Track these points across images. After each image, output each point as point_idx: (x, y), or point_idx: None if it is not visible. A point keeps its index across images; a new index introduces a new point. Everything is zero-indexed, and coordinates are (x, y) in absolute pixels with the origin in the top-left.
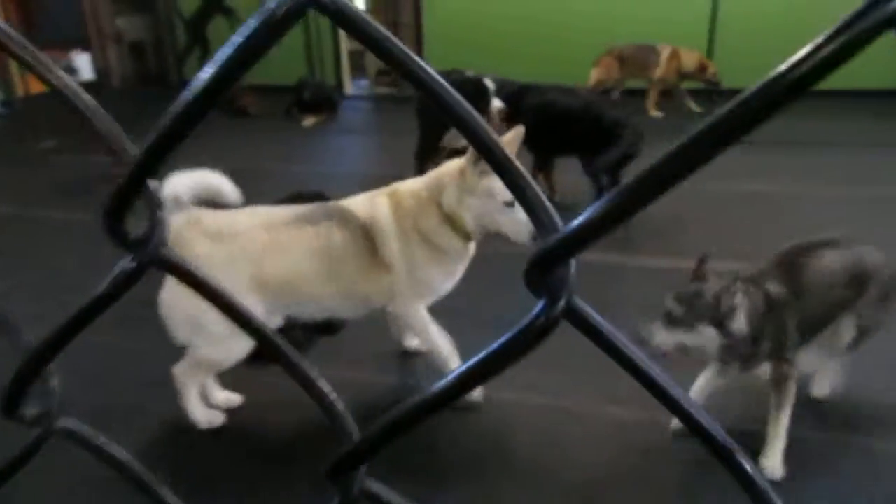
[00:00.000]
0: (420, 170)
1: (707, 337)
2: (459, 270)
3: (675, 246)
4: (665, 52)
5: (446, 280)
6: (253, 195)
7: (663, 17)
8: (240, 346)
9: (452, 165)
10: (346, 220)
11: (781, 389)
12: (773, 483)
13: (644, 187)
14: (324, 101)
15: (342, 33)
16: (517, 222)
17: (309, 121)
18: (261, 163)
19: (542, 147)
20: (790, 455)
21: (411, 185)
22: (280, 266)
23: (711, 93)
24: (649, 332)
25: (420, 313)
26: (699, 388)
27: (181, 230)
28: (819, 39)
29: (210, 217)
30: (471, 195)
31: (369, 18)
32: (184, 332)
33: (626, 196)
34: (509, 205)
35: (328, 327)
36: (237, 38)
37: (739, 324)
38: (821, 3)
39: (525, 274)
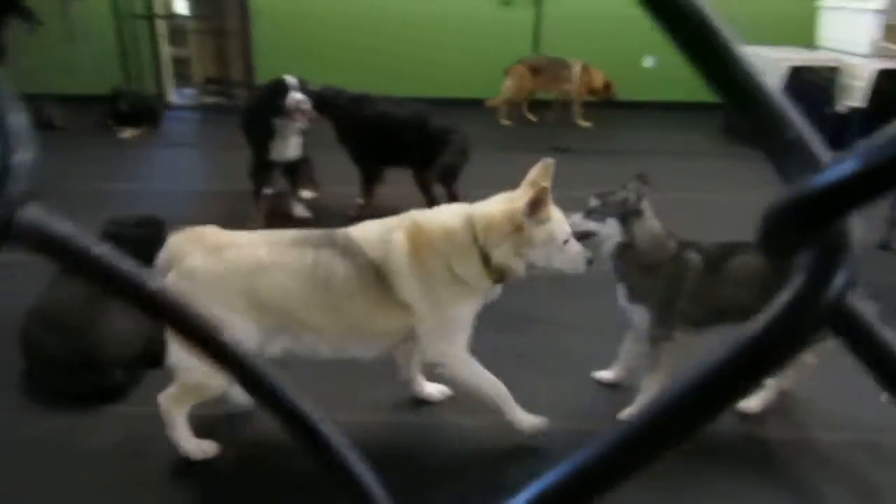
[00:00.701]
0: (256, 187)
1: (611, 229)
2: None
3: None
4: (576, 67)
5: (473, 314)
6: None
7: (490, 32)
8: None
9: (497, 216)
10: (352, 252)
11: (654, 352)
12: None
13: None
14: (143, 112)
15: (163, 37)
16: (574, 257)
17: (127, 133)
18: (74, 182)
19: (373, 158)
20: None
21: (440, 223)
22: (271, 285)
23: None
24: (569, 219)
25: (461, 356)
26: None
27: (181, 243)
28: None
29: (213, 233)
30: (531, 247)
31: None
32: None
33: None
34: (566, 241)
35: (154, 359)
36: None
37: (641, 227)
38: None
39: None
